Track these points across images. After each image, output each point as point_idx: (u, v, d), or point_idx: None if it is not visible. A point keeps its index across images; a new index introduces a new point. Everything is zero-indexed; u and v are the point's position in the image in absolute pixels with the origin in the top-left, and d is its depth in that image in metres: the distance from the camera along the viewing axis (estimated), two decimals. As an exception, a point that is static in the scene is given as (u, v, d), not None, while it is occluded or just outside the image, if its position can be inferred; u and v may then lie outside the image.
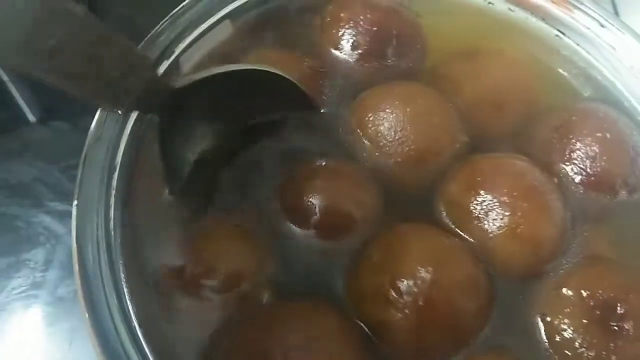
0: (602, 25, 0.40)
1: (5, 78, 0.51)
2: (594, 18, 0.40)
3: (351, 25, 0.37)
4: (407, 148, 0.33)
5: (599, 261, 0.34)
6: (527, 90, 0.38)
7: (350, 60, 0.38)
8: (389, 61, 0.37)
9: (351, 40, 0.37)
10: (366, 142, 0.35)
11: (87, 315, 0.28)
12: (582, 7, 0.40)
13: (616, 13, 0.57)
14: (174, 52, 0.37)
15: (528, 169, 0.34)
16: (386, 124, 0.34)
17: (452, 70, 0.39)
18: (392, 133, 0.34)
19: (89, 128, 0.32)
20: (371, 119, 0.35)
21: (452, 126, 0.35)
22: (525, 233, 0.31)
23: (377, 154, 0.34)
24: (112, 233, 0.31)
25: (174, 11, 0.38)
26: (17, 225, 0.46)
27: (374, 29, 0.37)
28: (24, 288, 0.44)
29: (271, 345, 0.28)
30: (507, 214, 0.31)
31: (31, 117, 0.51)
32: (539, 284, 0.32)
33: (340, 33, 0.38)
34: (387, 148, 0.34)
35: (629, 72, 0.39)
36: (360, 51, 0.37)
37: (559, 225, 0.32)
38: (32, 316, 0.43)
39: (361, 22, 0.37)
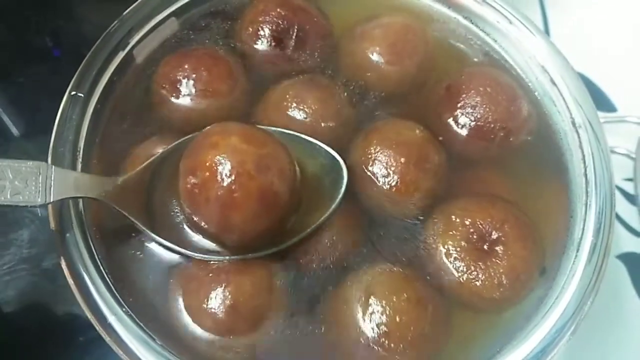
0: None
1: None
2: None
3: (261, 20, 0.43)
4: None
5: (485, 197, 0.39)
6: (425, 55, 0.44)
7: (261, 52, 0.43)
8: (300, 51, 0.43)
9: (260, 34, 0.43)
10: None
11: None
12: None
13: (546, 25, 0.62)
14: (128, 44, 0.44)
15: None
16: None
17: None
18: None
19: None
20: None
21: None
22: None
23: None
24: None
25: (124, 12, 0.44)
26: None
27: (280, 22, 0.43)
28: (12, 263, 0.51)
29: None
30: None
31: (15, 132, 0.55)
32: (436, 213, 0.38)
33: (252, 28, 0.43)
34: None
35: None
36: (267, 43, 0.43)
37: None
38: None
39: (268, 18, 0.43)
